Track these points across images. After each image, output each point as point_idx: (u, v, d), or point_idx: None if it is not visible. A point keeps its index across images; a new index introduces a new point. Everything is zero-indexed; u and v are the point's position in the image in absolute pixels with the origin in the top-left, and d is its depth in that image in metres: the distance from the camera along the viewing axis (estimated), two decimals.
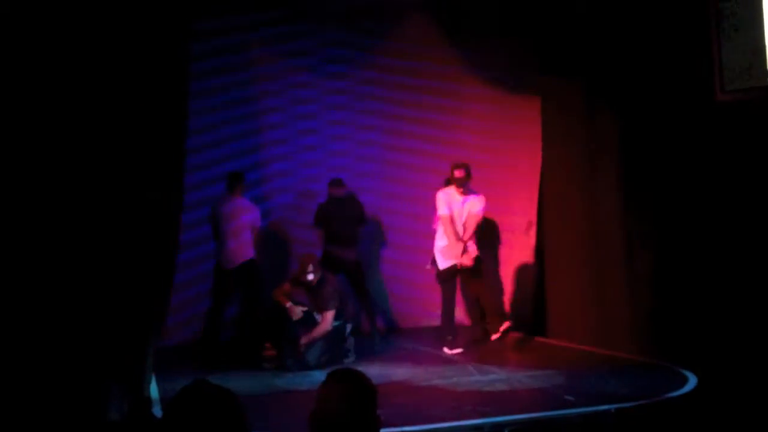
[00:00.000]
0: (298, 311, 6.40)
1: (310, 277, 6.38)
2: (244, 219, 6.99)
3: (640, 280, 6.55)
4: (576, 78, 7.13)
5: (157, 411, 5.00)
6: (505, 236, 7.91)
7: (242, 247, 6.95)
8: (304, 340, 6.34)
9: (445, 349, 6.86)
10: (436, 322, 7.75)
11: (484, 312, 7.17)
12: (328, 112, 8.33)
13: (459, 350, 6.80)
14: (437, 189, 7.81)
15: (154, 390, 5.33)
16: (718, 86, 6.03)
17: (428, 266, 7.13)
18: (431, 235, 7.74)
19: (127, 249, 4.73)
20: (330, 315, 6.39)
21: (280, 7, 8.02)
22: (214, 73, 7.70)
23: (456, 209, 6.94)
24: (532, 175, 7.83)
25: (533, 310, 7.66)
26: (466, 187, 6.95)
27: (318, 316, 6.47)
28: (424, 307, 8.14)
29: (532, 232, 7.86)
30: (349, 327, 6.69)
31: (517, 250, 7.61)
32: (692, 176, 6.14)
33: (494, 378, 5.83)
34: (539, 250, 7.76)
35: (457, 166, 6.94)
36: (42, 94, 4.50)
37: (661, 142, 6.36)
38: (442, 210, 6.95)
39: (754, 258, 5.76)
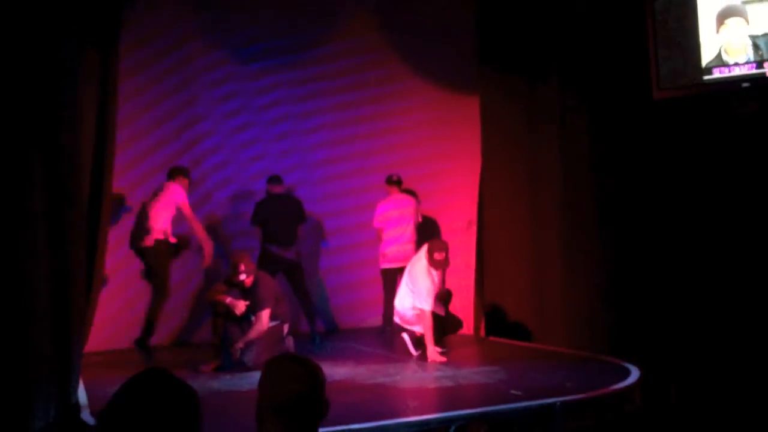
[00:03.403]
0: (240, 305, 6.16)
1: (243, 276, 6.14)
2: (165, 198, 6.74)
3: (580, 276, 6.60)
4: (515, 75, 7.15)
5: (86, 416, 4.74)
6: (445, 235, 7.86)
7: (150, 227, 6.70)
8: (240, 343, 6.11)
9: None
10: (377, 322, 7.67)
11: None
12: (263, 113, 8.14)
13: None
14: (378, 189, 7.78)
15: (82, 395, 5.03)
16: (656, 84, 6.14)
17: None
18: (372, 236, 7.69)
19: (50, 248, 4.49)
20: (265, 314, 6.18)
21: (213, 8, 7.80)
22: (146, 70, 7.45)
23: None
24: (472, 174, 7.81)
25: (475, 309, 7.62)
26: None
27: (253, 317, 6.26)
28: (365, 308, 8.04)
29: (473, 231, 7.84)
30: (286, 327, 6.51)
31: (458, 249, 7.56)
32: (632, 172, 6.23)
33: (439, 375, 5.75)
34: (480, 249, 7.74)
35: (439, 249, 6.43)
36: None
37: (602, 140, 6.43)
38: (426, 303, 6.29)
39: (693, 251, 5.88)
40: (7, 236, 4.32)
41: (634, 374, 5.40)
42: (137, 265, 7.06)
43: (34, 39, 4.39)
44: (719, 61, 5.96)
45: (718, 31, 5.96)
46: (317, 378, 2.16)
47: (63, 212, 4.55)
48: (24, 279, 4.38)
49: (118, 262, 7.11)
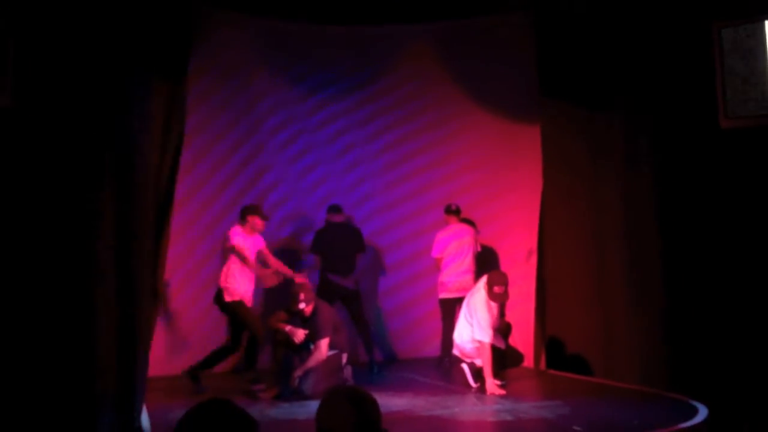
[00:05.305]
0: (299, 334, 6.21)
1: (302, 306, 6.20)
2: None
3: (645, 309, 6.42)
4: (578, 106, 7.07)
5: None
6: (504, 265, 7.78)
7: None
8: (298, 372, 6.15)
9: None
10: (436, 352, 7.61)
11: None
12: (326, 144, 8.24)
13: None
14: (436, 218, 7.77)
15: (145, 421, 5.12)
16: (723, 112, 6.00)
17: None
18: (431, 265, 7.66)
19: (118, 277, 4.62)
20: (324, 343, 6.21)
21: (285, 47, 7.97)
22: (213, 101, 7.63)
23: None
24: (533, 204, 7.70)
25: (535, 341, 7.48)
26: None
27: (312, 346, 6.29)
28: (424, 338, 7.98)
29: (533, 261, 7.71)
30: (344, 356, 6.52)
31: (518, 280, 7.46)
32: (699, 201, 6.06)
33: (498, 408, 5.65)
34: (540, 280, 7.61)
35: (499, 282, 6.39)
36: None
37: (666, 169, 6.28)
38: (485, 335, 6.24)
39: (764, 283, 5.67)
40: (79, 265, 4.48)
41: (702, 412, 5.21)
42: (194, 292, 7.27)
43: (105, 76, 4.57)
44: None
45: None
46: (374, 410, 2.16)
47: (130, 243, 4.68)
48: (92, 304, 4.52)
49: (179, 288, 7.29)
